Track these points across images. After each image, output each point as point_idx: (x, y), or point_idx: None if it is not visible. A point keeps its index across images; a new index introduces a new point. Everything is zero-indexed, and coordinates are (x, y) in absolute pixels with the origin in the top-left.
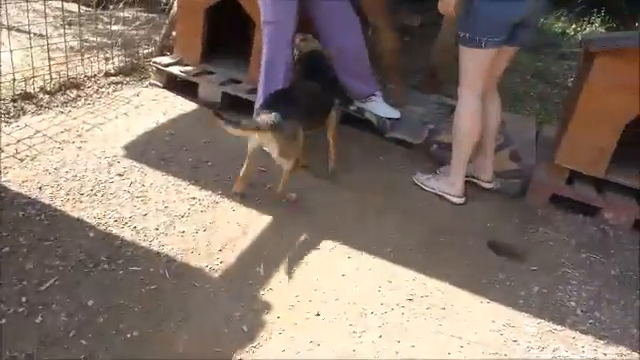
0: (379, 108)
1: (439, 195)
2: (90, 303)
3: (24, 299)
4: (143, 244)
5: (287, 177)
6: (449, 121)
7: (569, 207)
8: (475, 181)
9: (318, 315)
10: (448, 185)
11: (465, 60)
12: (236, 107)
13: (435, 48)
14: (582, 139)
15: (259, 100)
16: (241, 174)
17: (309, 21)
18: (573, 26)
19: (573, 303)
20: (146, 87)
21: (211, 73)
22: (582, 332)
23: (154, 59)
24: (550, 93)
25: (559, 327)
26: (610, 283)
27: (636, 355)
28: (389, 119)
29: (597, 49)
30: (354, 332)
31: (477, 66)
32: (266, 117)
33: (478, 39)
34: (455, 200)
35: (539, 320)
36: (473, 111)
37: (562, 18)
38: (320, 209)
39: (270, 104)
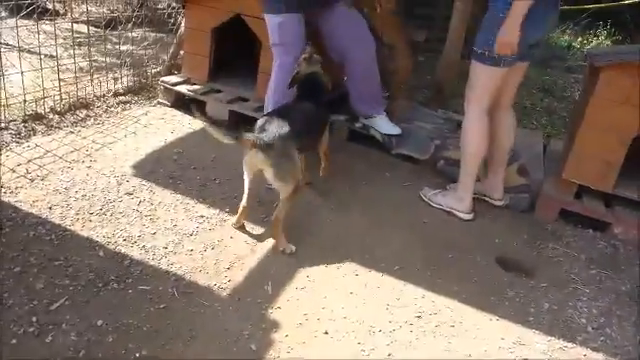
0: (382, 125)
1: (447, 211)
2: (99, 322)
3: (34, 319)
4: (152, 263)
5: (284, 206)
6: (456, 137)
7: (578, 222)
8: (486, 199)
9: (326, 333)
10: (456, 201)
11: (478, 76)
12: (243, 125)
13: (440, 64)
14: (589, 153)
15: None
16: (240, 209)
17: (320, 35)
18: (579, 39)
19: (584, 320)
20: (154, 106)
21: (218, 91)
22: (593, 349)
23: (162, 78)
24: (557, 107)
25: (570, 344)
26: (621, 299)
27: None
28: (390, 136)
29: (602, 64)
30: (362, 350)
31: (489, 83)
32: (261, 136)
33: (498, 58)
34: (464, 216)
35: (549, 337)
36: (481, 126)
37: (568, 31)
38: (327, 226)
39: (264, 125)
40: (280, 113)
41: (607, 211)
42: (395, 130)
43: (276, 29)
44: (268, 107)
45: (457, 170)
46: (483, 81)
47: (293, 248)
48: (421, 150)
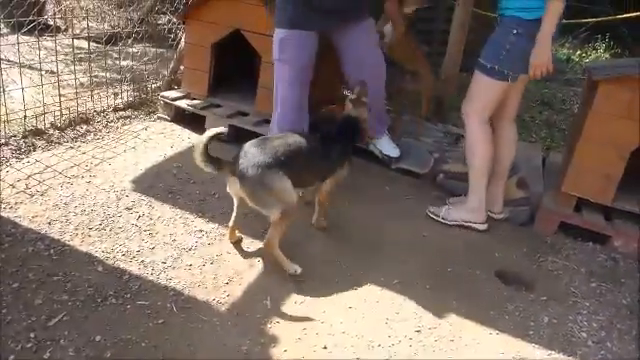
0: (383, 145)
1: (464, 226)
2: (98, 338)
3: (32, 335)
4: (150, 278)
5: (272, 231)
6: (455, 150)
7: (578, 235)
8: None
9: (325, 348)
10: (470, 213)
11: (483, 89)
12: (243, 139)
13: (440, 77)
14: (588, 167)
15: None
16: (230, 223)
17: (335, 51)
18: (578, 52)
19: (584, 334)
20: (154, 121)
21: (218, 106)
22: None
23: (162, 93)
24: (556, 119)
25: (570, 358)
26: (621, 313)
27: None
28: (389, 157)
29: (600, 77)
30: None
31: (494, 97)
32: (239, 163)
33: (506, 72)
34: (480, 227)
35: (549, 351)
36: (484, 136)
37: (567, 44)
38: (325, 240)
39: (246, 151)
40: (275, 139)
41: (607, 224)
42: (395, 152)
43: (277, 44)
44: (272, 124)
45: (456, 183)
46: (489, 95)
47: (298, 269)
48: (421, 164)
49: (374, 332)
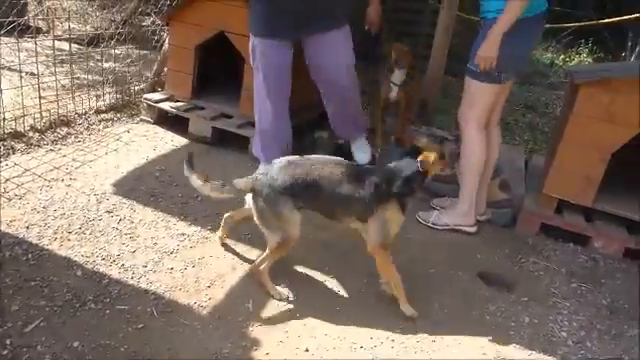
0: (356, 148)
1: (455, 229)
2: (76, 344)
3: (8, 341)
4: (131, 282)
5: (265, 257)
6: None
7: (559, 236)
8: None
9: (307, 351)
10: (461, 217)
11: (476, 95)
12: (227, 142)
13: (424, 80)
14: (569, 168)
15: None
16: (223, 221)
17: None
18: (562, 57)
19: (564, 334)
20: (137, 123)
21: (202, 108)
22: None
23: (145, 95)
24: (539, 122)
25: (550, 358)
26: (601, 313)
27: None
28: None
29: (581, 80)
30: None
31: (488, 101)
32: (252, 178)
33: (497, 75)
34: (470, 230)
35: (530, 351)
36: (481, 143)
37: (551, 49)
38: (308, 243)
39: (268, 170)
40: (301, 163)
41: (587, 225)
42: (364, 158)
43: (250, 50)
44: (255, 134)
45: (440, 185)
46: (483, 99)
47: (284, 295)
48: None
49: (356, 334)
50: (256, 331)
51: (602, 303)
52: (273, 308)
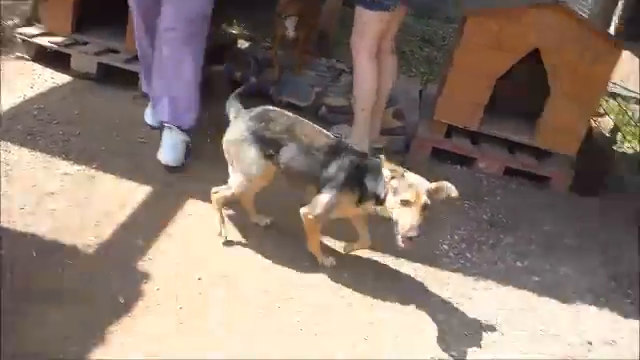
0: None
1: None
2: None
3: None
4: (6, 225)
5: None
6: (337, 85)
7: (448, 159)
8: None
9: (200, 279)
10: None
11: (364, 23)
12: (113, 78)
13: (323, 11)
14: (458, 95)
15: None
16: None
17: None
18: None
19: (446, 247)
20: (11, 60)
21: (85, 43)
22: (453, 271)
23: (19, 30)
24: (436, 56)
25: (432, 268)
26: (482, 227)
27: (502, 287)
28: None
29: (470, 10)
30: None
31: (377, 29)
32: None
33: (385, 3)
34: None
35: (415, 265)
36: (374, 72)
37: None
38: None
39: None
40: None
41: (473, 147)
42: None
43: None
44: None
45: (337, 116)
46: (371, 28)
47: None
48: (302, 97)
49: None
50: (146, 265)
51: (483, 217)
52: (165, 243)
